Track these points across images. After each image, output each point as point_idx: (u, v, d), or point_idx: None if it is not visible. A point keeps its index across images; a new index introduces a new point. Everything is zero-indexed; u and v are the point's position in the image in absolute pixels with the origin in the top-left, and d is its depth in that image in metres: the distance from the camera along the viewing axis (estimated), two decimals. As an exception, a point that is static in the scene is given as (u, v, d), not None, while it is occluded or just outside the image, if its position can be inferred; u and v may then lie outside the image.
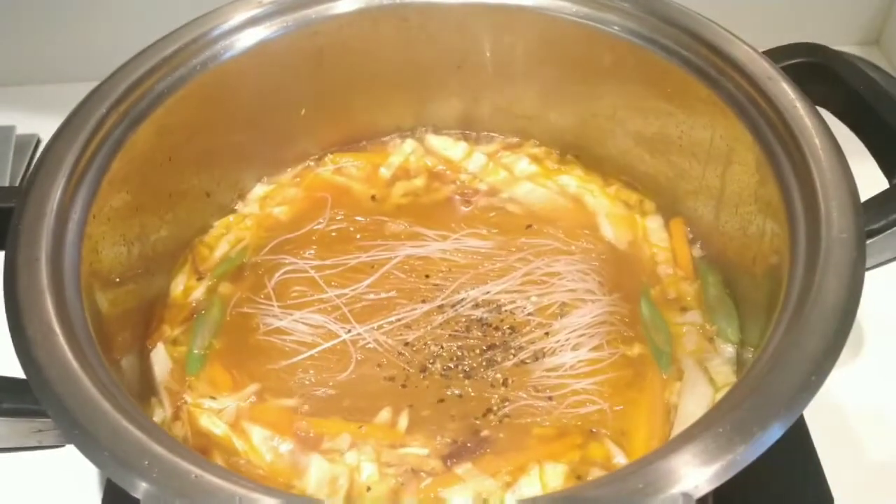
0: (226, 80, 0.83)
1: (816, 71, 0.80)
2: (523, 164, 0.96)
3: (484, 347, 0.78)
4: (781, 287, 0.63)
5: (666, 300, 0.82)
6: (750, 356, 0.75)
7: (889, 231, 0.69)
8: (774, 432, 0.53)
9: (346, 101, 0.94)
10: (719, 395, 0.74)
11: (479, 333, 0.80)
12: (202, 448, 0.73)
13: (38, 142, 1.20)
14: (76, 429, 0.54)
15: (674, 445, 0.53)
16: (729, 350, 0.78)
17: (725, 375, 0.76)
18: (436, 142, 0.99)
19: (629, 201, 0.92)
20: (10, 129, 1.19)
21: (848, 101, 0.77)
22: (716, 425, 0.53)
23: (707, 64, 0.77)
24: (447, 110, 0.98)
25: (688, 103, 0.80)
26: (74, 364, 0.57)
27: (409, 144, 0.98)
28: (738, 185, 0.77)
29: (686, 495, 0.49)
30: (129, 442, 0.53)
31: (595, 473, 0.69)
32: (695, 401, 0.74)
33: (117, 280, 0.75)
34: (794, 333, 0.57)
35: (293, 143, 0.95)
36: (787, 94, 0.72)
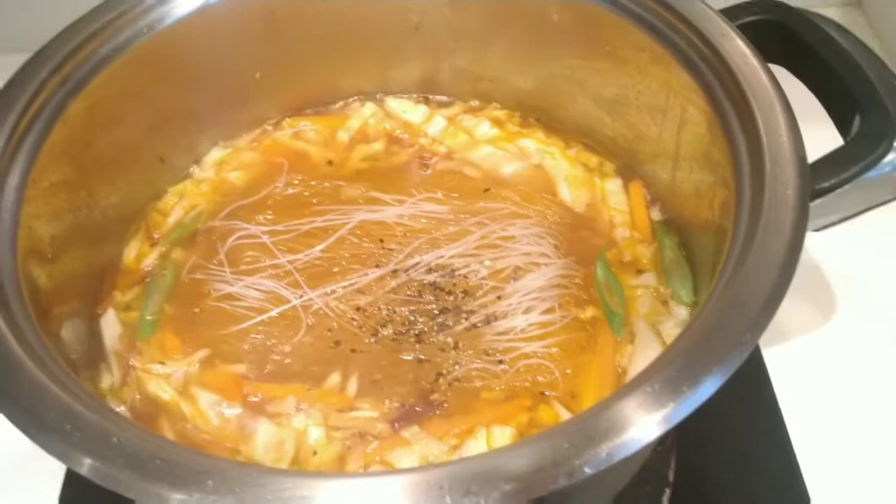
0: (173, 44, 0.82)
1: (775, 29, 0.78)
2: (484, 128, 0.95)
3: (436, 312, 0.78)
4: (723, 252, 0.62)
5: (622, 263, 0.82)
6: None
7: (840, 190, 0.68)
8: (705, 390, 0.52)
9: (303, 65, 0.93)
10: (670, 358, 0.74)
11: (432, 298, 0.79)
12: (150, 413, 0.73)
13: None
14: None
15: (607, 403, 0.52)
16: (682, 312, 0.77)
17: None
18: (395, 105, 0.97)
19: (589, 164, 0.91)
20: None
21: (806, 60, 0.76)
22: (646, 384, 0.52)
23: (659, 20, 0.76)
24: (407, 73, 0.97)
25: (641, 62, 0.79)
26: (2, 325, 0.56)
27: (369, 108, 0.97)
28: (692, 145, 0.76)
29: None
30: (53, 406, 0.52)
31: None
32: (645, 363, 0.72)
33: (62, 247, 0.74)
34: (731, 292, 0.56)
35: (250, 107, 0.94)
36: (740, 51, 0.71)
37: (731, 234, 0.62)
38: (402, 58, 0.95)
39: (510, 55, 0.92)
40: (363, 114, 0.96)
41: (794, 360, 0.88)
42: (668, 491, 0.85)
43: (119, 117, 0.80)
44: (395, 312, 0.78)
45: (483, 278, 0.80)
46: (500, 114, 0.97)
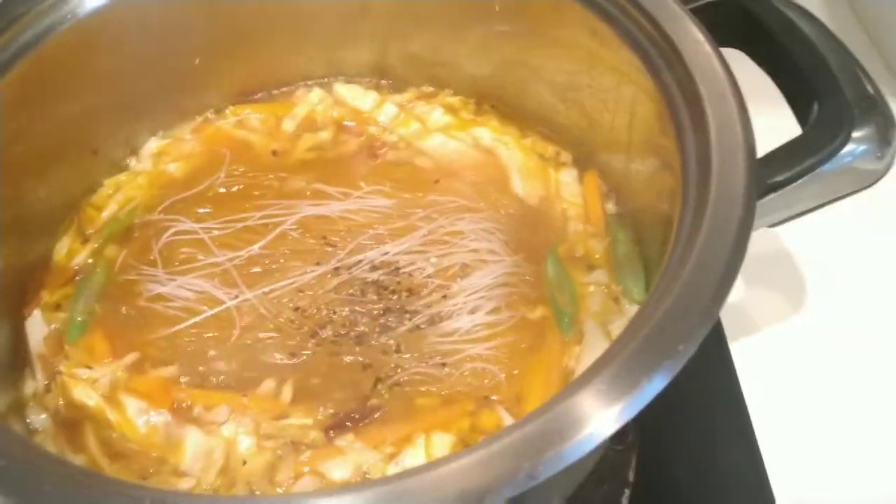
0: (101, 30, 0.77)
1: (734, 11, 0.75)
2: (437, 115, 0.91)
3: (379, 312, 0.74)
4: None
5: (573, 258, 0.78)
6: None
7: (796, 183, 0.64)
8: (653, 387, 0.49)
9: (246, 49, 0.89)
10: (619, 360, 0.70)
11: (375, 297, 0.75)
12: (74, 421, 0.69)
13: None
14: None
15: (553, 403, 0.50)
16: (633, 311, 0.73)
17: (627, 337, 0.72)
18: (344, 91, 0.93)
19: (545, 153, 0.87)
20: None
21: (764, 45, 0.72)
22: (593, 381, 0.50)
23: (607, 1, 0.71)
24: (357, 57, 0.93)
25: (592, 47, 0.75)
26: None
27: (316, 94, 0.93)
28: (643, 134, 0.73)
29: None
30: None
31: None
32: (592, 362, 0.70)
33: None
34: (670, 295, 0.53)
35: (190, 95, 0.90)
36: (692, 36, 0.67)
37: (676, 230, 0.58)
38: (350, 41, 0.91)
39: (461, 39, 0.87)
40: (310, 100, 0.92)
41: (762, 353, 0.85)
42: (627, 491, 0.82)
43: (44, 108, 0.76)
44: (335, 313, 0.75)
45: (429, 276, 0.76)
46: (454, 100, 0.92)
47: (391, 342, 0.72)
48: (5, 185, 0.74)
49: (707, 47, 0.66)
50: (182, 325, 0.73)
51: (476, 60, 0.89)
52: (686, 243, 0.56)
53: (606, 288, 0.75)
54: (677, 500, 0.83)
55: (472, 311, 0.73)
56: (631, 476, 0.83)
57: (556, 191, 0.83)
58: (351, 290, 0.76)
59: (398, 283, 0.76)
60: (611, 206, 0.82)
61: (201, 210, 0.82)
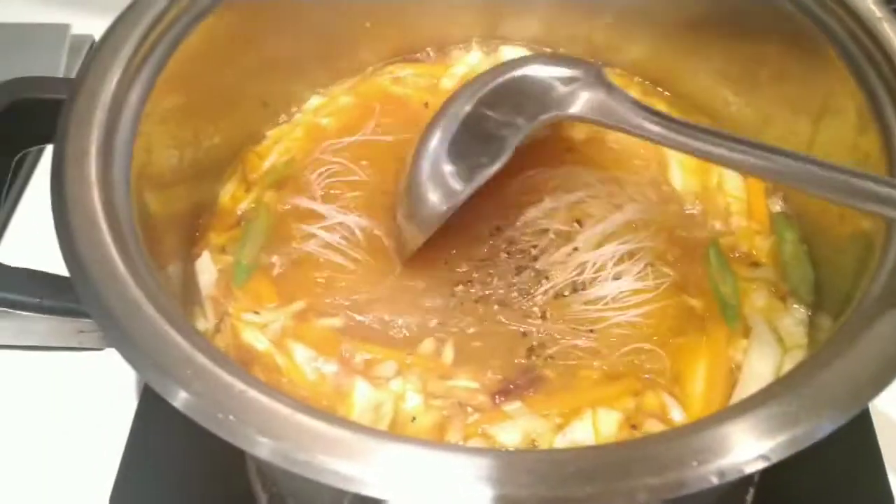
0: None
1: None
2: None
3: (513, 272, 0.74)
4: (873, 256, 0.58)
5: (735, 252, 0.77)
6: (825, 321, 0.70)
7: None
8: (840, 418, 0.48)
9: (413, 11, 0.90)
10: (787, 357, 0.70)
11: (506, 255, 0.75)
12: (244, 363, 0.71)
13: (93, 43, 1.17)
14: (118, 332, 0.51)
15: (730, 414, 0.49)
16: (801, 311, 0.73)
17: (796, 337, 0.71)
18: (510, 54, 0.92)
19: (704, 143, 0.86)
20: (65, 27, 1.16)
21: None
22: (778, 400, 0.49)
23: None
24: (522, 28, 0.93)
25: (783, 40, 0.74)
26: (119, 263, 0.54)
27: (476, 56, 0.93)
28: (832, 132, 0.71)
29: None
30: (173, 351, 0.50)
31: (652, 425, 0.66)
32: (762, 360, 0.69)
33: (167, 182, 0.72)
34: (882, 314, 0.52)
35: (354, 54, 0.91)
36: (899, 35, 0.66)
37: (884, 244, 0.57)
38: (519, 8, 0.91)
39: (633, 22, 0.87)
40: (469, 61, 0.92)
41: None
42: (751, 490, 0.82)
43: (230, 58, 0.78)
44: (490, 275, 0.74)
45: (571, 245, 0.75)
46: (621, 80, 0.91)
47: (535, 308, 0.72)
48: (189, 129, 0.76)
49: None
50: (340, 271, 0.74)
51: (643, 43, 0.88)
52: (891, 275, 0.55)
53: (772, 286, 0.74)
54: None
55: (617, 277, 0.73)
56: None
57: (719, 183, 0.82)
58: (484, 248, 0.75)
59: (534, 245, 0.75)
60: (775, 203, 0.80)
61: (356, 161, 0.83)
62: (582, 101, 0.70)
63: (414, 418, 0.67)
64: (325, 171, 0.81)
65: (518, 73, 0.73)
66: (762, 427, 0.47)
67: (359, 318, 0.72)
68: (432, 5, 0.90)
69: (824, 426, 0.48)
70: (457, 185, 0.69)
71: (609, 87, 0.69)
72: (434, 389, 0.68)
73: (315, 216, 0.78)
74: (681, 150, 0.65)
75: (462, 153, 0.70)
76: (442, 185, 0.69)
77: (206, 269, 0.76)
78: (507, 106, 0.71)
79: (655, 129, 0.65)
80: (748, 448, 0.47)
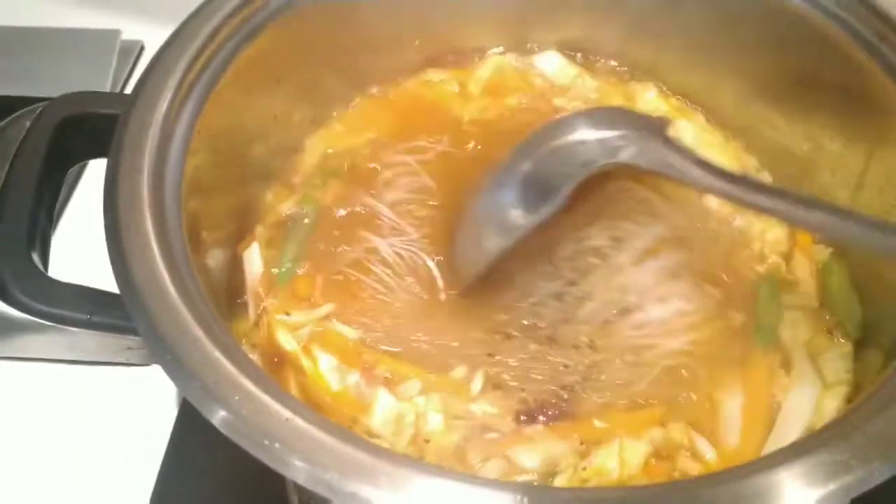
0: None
1: None
2: (650, 95, 0.88)
3: (559, 299, 0.73)
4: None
5: (778, 282, 0.75)
6: (872, 358, 0.68)
7: None
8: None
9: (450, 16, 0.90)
10: (828, 394, 0.68)
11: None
12: (277, 362, 0.71)
13: (142, 48, 1.18)
14: (166, 353, 0.52)
15: (780, 459, 0.48)
16: (846, 346, 0.71)
17: (837, 373, 0.69)
18: (542, 62, 0.92)
19: (747, 165, 0.84)
20: (115, 33, 1.17)
21: None
22: (829, 446, 0.48)
23: (865, 26, 0.69)
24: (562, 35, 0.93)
25: (838, 69, 0.72)
26: (169, 284, 0.55)
27: (508, 60, 0.93)
28: (887, 164, 0.70)
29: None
30: (221, 373, 0.51)
31: (684, 459, 0.65)
32: (802, 400, 0.68)
33: (215, 191, 0.72)
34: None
35: (396, 62, 0.91)
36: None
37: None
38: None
39: (677, 41, 0.86)
40: (500, 66, 0.92)
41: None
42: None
43: (281, 73, 0.78)
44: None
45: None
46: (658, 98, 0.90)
47: (583, 338, 0.71)
48: (238, 143, 0.76)
49: None
50: (384, 285, 0.74)
51: (685, 62, 0.87)
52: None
53: (817, 318, 0.73)
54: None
55: (662, 300, 0.72)
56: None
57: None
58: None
59: (576, 267, 0.75)
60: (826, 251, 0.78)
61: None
62: (636, 153, 0.69)
63: (429, 440, 0.66)
64: (380, 176, 0.82)
65: (573, 138, 0.72)
66: (813, 474, 0.47)
67: (390, 330, 0.72)
68: (465, 12, 0.90)
69: (877, 474, 0.47)
70: (514, 225, 0.69)
71: (665, 140, 0.68)
72: (456, 410, 0.68)
73: (365, 222, 0.79)
74: (737, 204, 0.65)
75: (519, 199, 0.70)
76: (501, 224, 0.69)
77: (254, 262, 0.76)
78: (563, 163, 0.71)
79: (717, 183, 0.64)
80: (799, 496, 0.46)
